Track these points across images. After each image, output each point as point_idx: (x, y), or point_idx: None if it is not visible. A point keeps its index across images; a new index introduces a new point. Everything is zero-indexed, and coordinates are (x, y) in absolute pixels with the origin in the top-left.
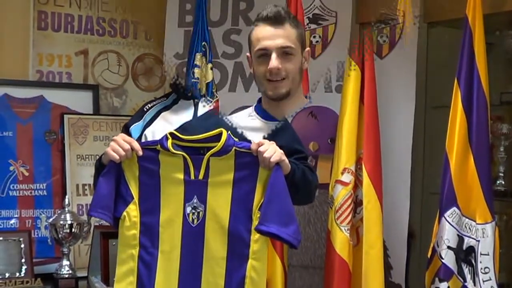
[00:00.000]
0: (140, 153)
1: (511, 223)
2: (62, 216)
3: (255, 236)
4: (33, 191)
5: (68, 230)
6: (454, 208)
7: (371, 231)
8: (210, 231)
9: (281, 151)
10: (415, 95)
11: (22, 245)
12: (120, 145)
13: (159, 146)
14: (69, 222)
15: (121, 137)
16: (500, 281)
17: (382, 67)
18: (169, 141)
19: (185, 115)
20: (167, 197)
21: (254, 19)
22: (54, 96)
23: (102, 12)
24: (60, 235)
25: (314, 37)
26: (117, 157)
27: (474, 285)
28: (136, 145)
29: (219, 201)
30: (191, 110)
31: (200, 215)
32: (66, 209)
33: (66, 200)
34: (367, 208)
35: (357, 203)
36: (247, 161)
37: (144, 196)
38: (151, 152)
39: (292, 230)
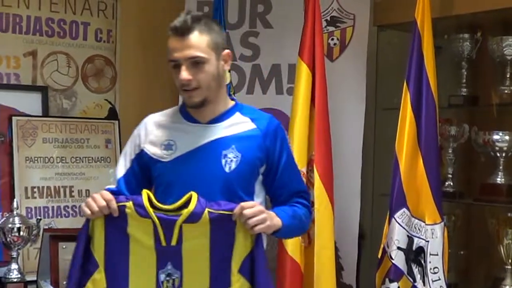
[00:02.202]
0: (116, 214)
1: (460, 224)
2: (11, 220)
3: None
4: None
5: (16, 234)
6: (404, 209)
7: (323, 232)
8: None
9: (267, 216)
10: (365, 97)
11: None
12: (96, 201)
13: (131, 203)
14: (17, 225)
15: (101, 194)
16: (449, 280)
17: (333, 69)
18: (145, 199)
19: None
20: (137, 263)
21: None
22: (2, 98)
23: (51, 12)
24: (8, 239)
25: (332, 39)
26: (89, 212)
27: (424, 285)
28: (114, 205)
29: (197, 267)
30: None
31: (176, 283)
32: (15, 212)
33: (15, 203)
34: (319, 210)
35: None
36: (223, 223)
37: (111, 262)
38: (119, 211)
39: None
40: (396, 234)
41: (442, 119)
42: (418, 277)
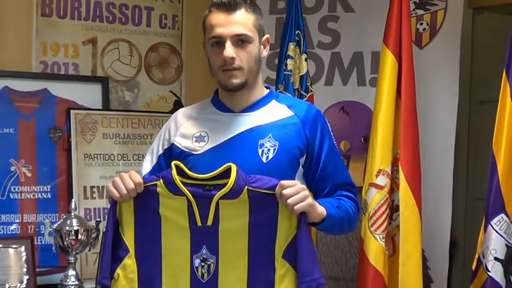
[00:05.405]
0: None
1: None
2: (68, 221)
3: (280, 286)
4: (36, 194)
5: (74, 237)
6: (502, 215)
7: (408, 239)
8: (224, 287)
9: (309, 195)
10: (459, 89)
11: (24, 253)
12: (124, 183)
13: (161, 181)
14: (75, 228)
15: (130, 174)
16: None
17: (422, 57)
18: (174, 173)
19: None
20: (170, 247)
21: (209, 5)
22: (60, 89)
23: None
24: (65, 242)
25: (421, 24)
26: (117, 195)
27: None
28: (142, 189)
29: (234, 251)
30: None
31: (211, 268)
32: (72, 213)
33: (73, 204)
34: (404, 214)
35: (393, 209)
36: (264, 202)
37: (142, 246)
38: (150, 191)
39: (318, 275)
40: (493, 243)
41: None
42: None
